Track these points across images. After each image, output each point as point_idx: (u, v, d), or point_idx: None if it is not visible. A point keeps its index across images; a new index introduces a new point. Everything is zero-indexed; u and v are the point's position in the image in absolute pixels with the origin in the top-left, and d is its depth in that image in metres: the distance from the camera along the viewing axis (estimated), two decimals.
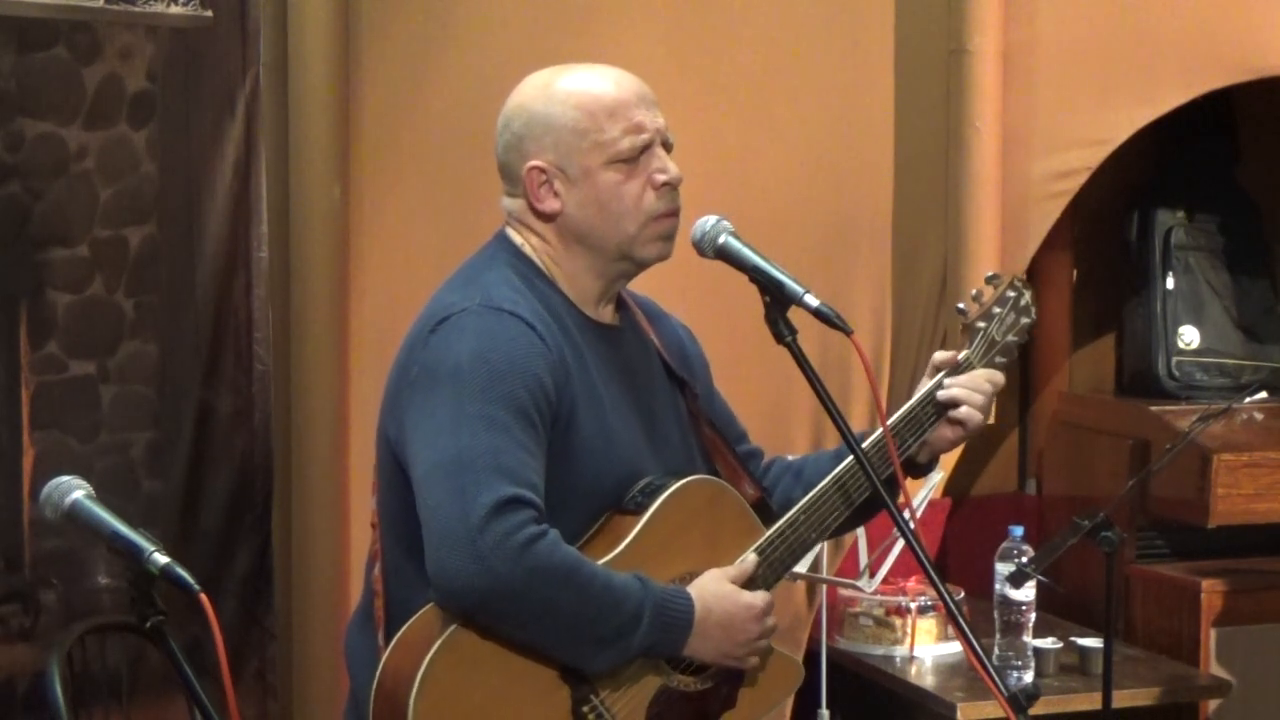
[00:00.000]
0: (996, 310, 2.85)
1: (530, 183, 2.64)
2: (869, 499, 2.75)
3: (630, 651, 2.53)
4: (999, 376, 2.80)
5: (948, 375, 2.79)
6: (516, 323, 2.56)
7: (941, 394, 2.77)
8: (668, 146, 2.67)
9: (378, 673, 2.55)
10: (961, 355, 2.82)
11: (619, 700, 2.57)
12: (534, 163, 2.63)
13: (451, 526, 2.44)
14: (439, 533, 2.46)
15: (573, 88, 2.64)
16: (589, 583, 2.50)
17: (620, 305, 2.76)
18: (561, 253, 2.67)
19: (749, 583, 2.65)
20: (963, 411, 2.77)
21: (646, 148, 2.63)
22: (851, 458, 2.68)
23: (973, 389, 2.77)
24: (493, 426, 2.48)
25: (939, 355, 2.84)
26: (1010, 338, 2.86)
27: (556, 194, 2.64)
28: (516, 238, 2.69)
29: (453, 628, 2.49)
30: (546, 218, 2.66)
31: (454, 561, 2.44)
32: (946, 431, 2.79)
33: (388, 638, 2.58)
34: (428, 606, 2.53)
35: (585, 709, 2.54)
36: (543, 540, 2.46)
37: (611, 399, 2.65)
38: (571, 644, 2.51)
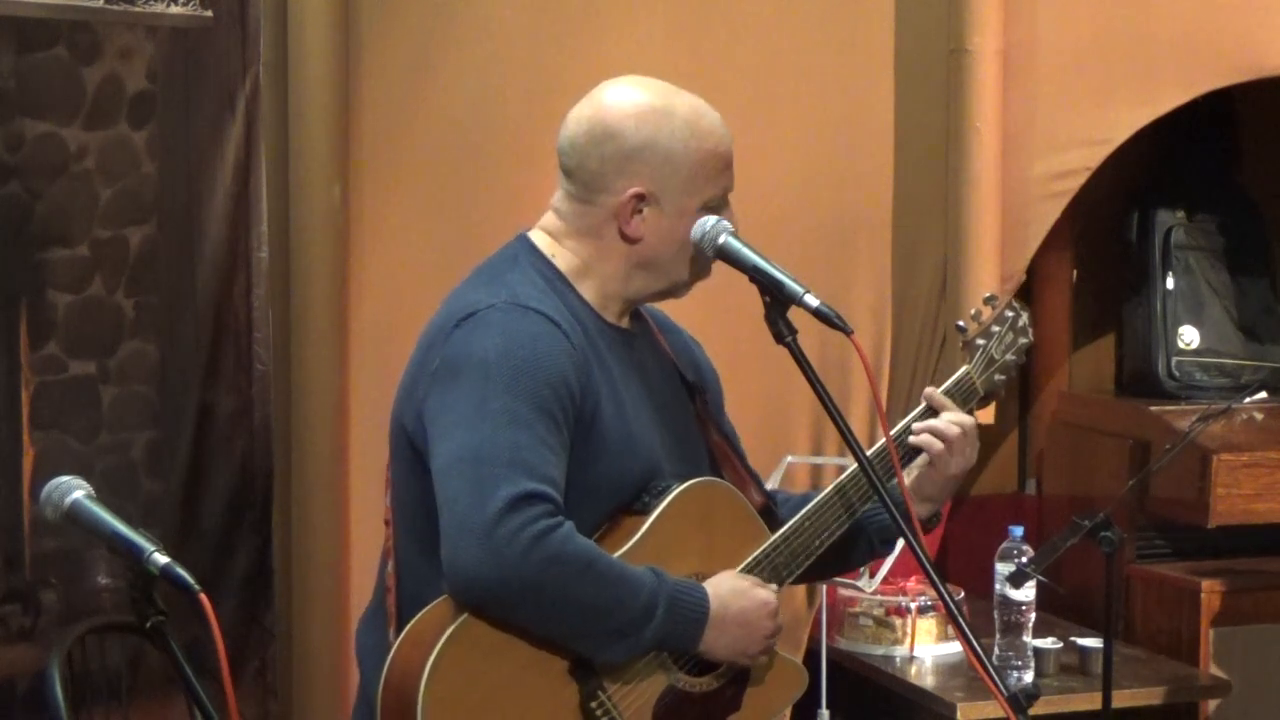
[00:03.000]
0: (995, 329, 2.89)
1: (625, 205, 2.63)
2: (870, 520, 2.79)
3: (644, 644, 2.54)
4: (967, 420, 2.78)
5: (920, 419, 2.78)
6: (543, 321, 2.57)
7: (911, 439, 2.77)
8: None
9: (386, 665, 2.56)
10: (963, 370, 2.85)
11: (626, 697, 2.58)
12: (638, 188, 2.63)
13: (468, 519, 2.45)
14: (455, 525, 2.47)
15: (702, 126, 2.66)
16: (604, 574, 2.51)
17: (634, 314, 2.78)
18: (617, 271, 2.67)
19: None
20: (935, 452, 2.76)
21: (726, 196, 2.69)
22: (855, 465, 2.68)
23: (938, 435, 2.75)
24: (515, 421, 2.49)
25: (928, 391, 2.83)
26: (1009, 356, 2.89)
27: (644, 220, 2.65)
28: (543, 244, 2.69)
29: (461, 620, 2.49)
30: (630, 240, 2.65)
31: (469, 553, 2.45)
32: (932, 474, 2.78)
33: (399, 633, 2.59)
34: (437, 601, 2.53)
35: (593, 704, 2.55)
36: (557, 532, 2.47)
37: (632, 400, 2.66)
38: (586, 635, 2.52)
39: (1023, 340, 2.90)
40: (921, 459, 2.78)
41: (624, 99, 2.66)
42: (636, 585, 2.53)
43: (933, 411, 2.79)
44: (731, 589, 2.62)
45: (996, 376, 2.87)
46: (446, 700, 2.48)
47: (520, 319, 2.56)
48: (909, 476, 2.77)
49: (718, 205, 2.67)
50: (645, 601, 2.52)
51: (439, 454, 2.52)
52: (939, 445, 2.74)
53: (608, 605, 2.51)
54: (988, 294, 2.97)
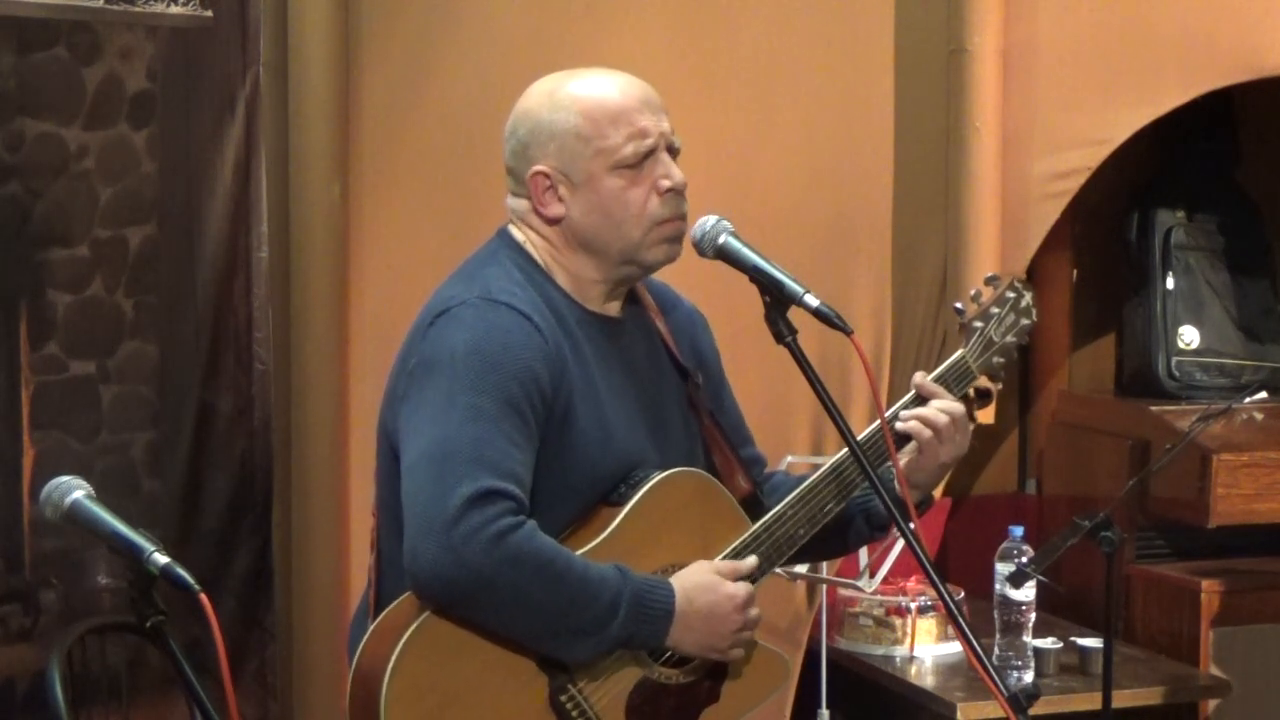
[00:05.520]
0: (995, 310, 2.85)
1: (535, 187, 2.66)
2: (864, 505, 2.78)
3: (608, 642, 2.53)
4: (956, 408, 2.75)
5: (909, 406, 2.76)
6: (513, 315, 2.57)
7: (900, 426, 2.75)
8: (673, 151, 2.67)
9: (355, 657, 2.56)
10: (958, 354, 2.82)
11: (597, 690, 2.57)
12: (538, 168, 2.65)
13: (428, 516, 2.46)
14: (415, 521, 2.47)
15: (577, 93, 2.65)
16: (565, 573, 2.50)
17: (629, 297, 2.76)
18: (565, 254, 2.68)
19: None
20: (923, 440, 2.74)
21: (650, 154, 2.64)
22: (845, 450, 2.67)
23: (926, 423, 2.73)
24: (479, 417, 2.49)
25: (917, 377, 2.81)
26: (1009, 338, 2.86)
27: (560, 199, 2.65)
28: (519, 235, 2.71)
29: (425, 615, 2.49)
30: (551, 221, 2.67)
31: (427, 551, 2.45)
32: (922, 462, 2.75)
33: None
34: (408, 594, 2.53)
35: (563, 699, 2.54)
36: (518, 531, 2.47)
37: (610, 392, 2.66)
38: (547, 634, 2.52)
39: (1025, 321, 2.87)
40: (910, 446, 2.75)
41: (523, 97, 2.71)
42: (599, 584, 2.52)
43: (922, 399, 2.77)
44: (697, 584, 2.60)
45: (995, 359, 2.84)
46: (409, 695, 2.47)
47: (491, 314, 2.57)
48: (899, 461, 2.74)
49: (633, 163, 2.62)
50: (609, 600, 2.52)
51: (407, 451, 2.53)
52: (927, 433, 2.72)
53: (568, 605, 2.50)
54: (990, 274, 2.93)
